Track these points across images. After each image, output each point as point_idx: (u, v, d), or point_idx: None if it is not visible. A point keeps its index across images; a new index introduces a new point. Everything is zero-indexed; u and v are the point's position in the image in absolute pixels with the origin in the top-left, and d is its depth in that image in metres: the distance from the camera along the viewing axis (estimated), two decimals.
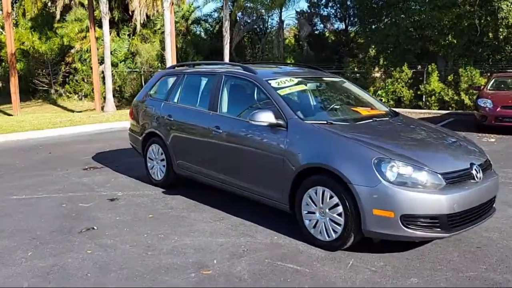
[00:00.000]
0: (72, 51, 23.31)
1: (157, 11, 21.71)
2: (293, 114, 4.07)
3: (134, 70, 24.10)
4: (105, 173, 6.55)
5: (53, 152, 8.27)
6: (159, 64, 24.19)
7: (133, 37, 24.34)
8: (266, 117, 4.04)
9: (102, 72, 21.91)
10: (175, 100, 5.48)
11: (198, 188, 5.50)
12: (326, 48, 25.38)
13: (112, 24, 21.21)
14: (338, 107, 4.72)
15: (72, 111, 19.99)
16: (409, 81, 17.20)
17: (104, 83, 21.89)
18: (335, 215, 3.63)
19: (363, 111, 4.65)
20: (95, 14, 17.54)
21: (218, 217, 4.62)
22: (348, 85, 5.22)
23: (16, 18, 25.24)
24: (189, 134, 5.07)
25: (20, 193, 5.56)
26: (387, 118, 4.51)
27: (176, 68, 5.97)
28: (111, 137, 9.98)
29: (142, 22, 19.84)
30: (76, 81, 23.29)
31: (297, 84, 4.58)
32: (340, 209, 3.59)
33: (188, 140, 5.09)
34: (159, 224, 4.43)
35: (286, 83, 4.48)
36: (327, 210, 3.69)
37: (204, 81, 5.23)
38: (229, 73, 4.88)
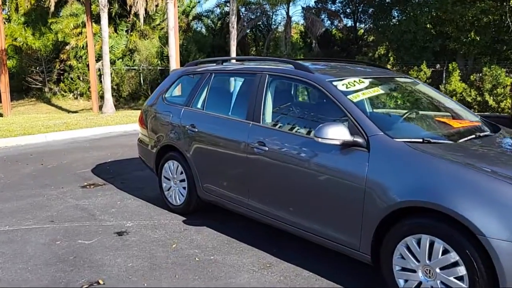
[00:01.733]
0: (67, 47, 22.17)
1: (157, 5, 20.51)
2: (376, 129, 2.94)
3: (132, 68, 22.97)
4: (109, 192, 5.38)
5: (45, 162, 7.08)
6: (159, 62, 23.08)
7: (131, 33, 23.20)
8: (337, 133, 2.91)
9: (99, 69, 20.80)
10: (200, 106, 4.33)
11: (228, 216, 4.36)
12: (334, 46, 24.28)
13: (109, 19, 19.96)
14: (422, 117, 3.58)
15: (68, 111, 18.80)
16: (427, 80, 16.09)
17: (101, 82, 20.78)
18: (451, 278, 2.52)
19: (453, 123, 3.53)
20: (91, 8, 16.31)
21: (263, 262, 3.49)
22: (422, 87, 4.09)
23: (8, 13, 23.97)
24: (220, 151, 3.93)
25: (1, 222, 4.38)
26: (492, 134, 3.38)
27: (198, 65, 4.79)
28: (113, 144, 8.79)
29: (142, 16, 18.59)
30: (71, 79, 22.13)
31: (369, 86, 3.46)
32: (461, 270, 2.46)
33: (219, 158, 3.95)
34: (186, 274, 3.29)
35: (356, 85, 3.35)
36: (437, 270, 2.57)
37: (239, 82, 4.09)
38: (274, 72, 3.74)
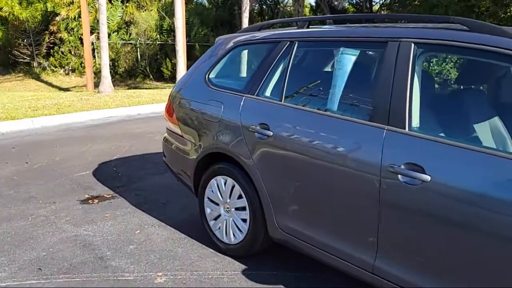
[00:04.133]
0: (57, 18, 20.29)
1: None
2: None
3: (128, 42, 21.09)
4: (120, 212, 3.79)
5: (31, 160, 5.44)
6: (158, 36, 21.22)
7: (127, 4, 21.27)
8: None
9: (93, 43, 18.93)
10: (273, 95, 2.74)
11: (310, 263, 2.78)
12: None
13: None
14: None
15: (59, 88, 17.04)
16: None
17: (95, 57, 18.92)
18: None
19: None
20: None
21: None
22: None
23: None
24: (318, 172, 2.33)
25: None
26: None
27: (262, 29, 3.13)
28: (116, 132, 7.13)
29: None
30: (62, 53, 20.28)
31: None
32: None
33: (316, 184, 2.39)
34: None
35: None
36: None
37: (348, 58, 2.45)
38: (429, 38, 2.10)
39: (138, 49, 21.09)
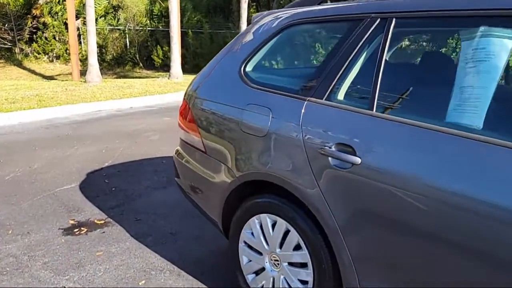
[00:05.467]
0: (40, 1, 19.14)
1: None
2: None
3: (116, 28, 19.91)
4: (117, 249, 2.85)
5: (3, 167, 4.45)
6: (148, 22, 20.07)
7: None
8: None
9: (78, 29, 17.76)
10: (356, 100, 1.83)
11: None
12: None
13: None
14: None
15: (42, 76, 15.87)
16: None
17: (81, 43, 17.76)
18: None
19: None
20: None
21: None
22: None
23: None
24: (454, 224, 1.43)
25: None
26: None
27: (323, 3, 2.17)
28: (106, 130, 6.14)
29: None
30: (46, 39, 19.07)
31: None
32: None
33: (453, 240, 1.44)
34: None
35: None
36: None
37: (499, 45, 1.50)
38: None
39: (127, 35, 19.96)
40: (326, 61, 1.94)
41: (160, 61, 18.78)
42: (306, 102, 1.91)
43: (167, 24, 18.30)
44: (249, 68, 2.27)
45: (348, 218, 1.72)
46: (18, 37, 19.80)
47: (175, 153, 2.74)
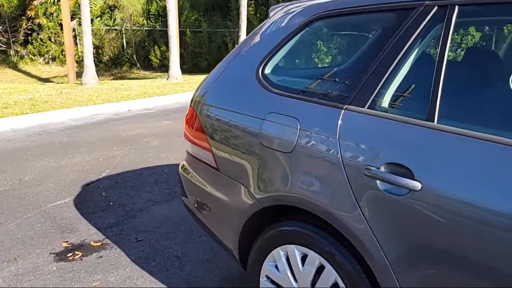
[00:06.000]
0: (35, 2, 18.75)
1: None
2: None
3: (113, 28, 19.53)
4: (116, 278, 2.53)
5: None
6: (145, 21, 19.70)
7: None
8: None
9: (74, 29, 17.40)
10: (409, 109, 1.48)
11: None
12: None
13: None
14: None
15: (38, 78, 15.51)
16: None
17: (77, 44, 17.41)
18: None
19: None
20: None
21: None
22: None
23: None
24: None
25: None
26: None
27: None
28: (103, 137, 5.78)
29: None
30: (41, 40, 18.71)
31: None
32: None
33: None
34: None
35: None
36: None
37: None
38: None
39: (124, 35, 19.59)
40: (366, 60, 1.59)
41: (157, 61, 18.42)
42: (343, 111, 1.56)
43: (165, 23, 17.93)
44: (268, 70, 1.92)
45: (404, 254, 1.37)
46: (13, 39, 19.46)
47: (181, 168, 2.38)
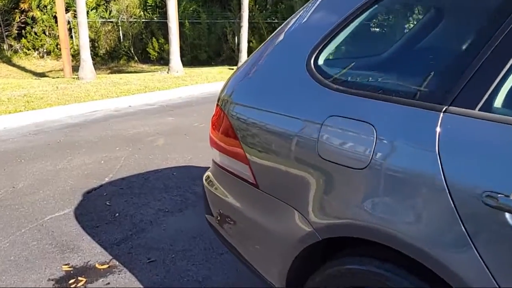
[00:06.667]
0: None
1: None
2: None
3: (109, 20, 19.01)
4: None
5: None
6: (142, 13, 19.15)
7: None
8: None
9: (69, 22, 16.88)
10: None
11: None
12: None
13: None
14: None
15: (33, 72, 15.02)
16: None
17: (72, 37, 16.90)
18: None
19: None
20: None
21: None
22: None
23: None
24: None
25: None
26: None
27: None
28: (104, 135, 5.36)
29: None
30: (36, 34, 18.19)
31: None
32: None
33: None
34: None
35: None
36: None
37: None
38: None
39: (120, 28, 19.06)
40: (476, 42, 1.16)
41: (156, 54, 17.94)
42: (442, 114, 1.14)
43: (162, 15, 17.43)
44: (323, 60, 1.49)
45: None
46: (6, 33, 18.94)
47: (205, 181, 1.97)
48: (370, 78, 1.41)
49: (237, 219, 1.73)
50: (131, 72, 14.71)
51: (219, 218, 1.87)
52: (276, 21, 16.71)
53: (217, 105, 1.83)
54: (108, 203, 3.32)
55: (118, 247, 2.68)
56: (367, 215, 1.24)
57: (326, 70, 1.46)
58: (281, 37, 1.69)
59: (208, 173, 1.99)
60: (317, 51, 1.49)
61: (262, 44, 1.80)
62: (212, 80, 10.23)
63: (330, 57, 1.51)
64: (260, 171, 1.57)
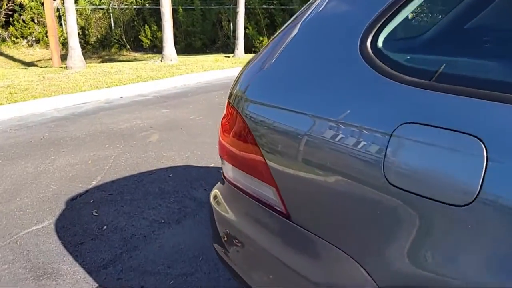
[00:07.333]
0: None
1: None
2: None
3: (99, 7, 18.38)
4: None
5: None
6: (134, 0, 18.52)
7: None
8: None
9: (58, 9, 16.25)
10: None
11: None
12: None
13: None
14: None
15: (21, 62, 14.42)
16: None
17: (61, 24, 16.28)
18: None
19: None
20: None
21: None
22: None
23: None
24: None
25: None
26: None
27: None
28: (92, 130, 4.88)
29: None
30: (24, 21, 17.56)
31: None
32: None
33: None
34: None
35: None
36: None
37: None
38: None
39: (112, 15, 18.43)
40: None
41: (148, 41, 17.36)
42: None
43: (155, 1, 16.82)
44: (383, 41, 1.03)
45: None
46: None
47: (213, 200, 1.52)
48: (458, 67, 0.95)
49: (259, 259, 1.29)
50: (123, 60, 14.15)
51: (231, 253, 1.42)
52: (273, 7, 16.14)
53: (228, 103, 1.38)
54: (95, 213, 2.87)
55: (105, 270, 2.24)
56: (469, 275, 0.79)
57: (392, 56, 1.00)
58: (313, 15, 1.23)
59: (214, 191, 1.54)
60: (374, 32, 1.03)
61: (284, 26, 1.34)
62: (208, 69, 9.73)
63: (397, 37, 1.05)
64: (293, 196, 1.12)
